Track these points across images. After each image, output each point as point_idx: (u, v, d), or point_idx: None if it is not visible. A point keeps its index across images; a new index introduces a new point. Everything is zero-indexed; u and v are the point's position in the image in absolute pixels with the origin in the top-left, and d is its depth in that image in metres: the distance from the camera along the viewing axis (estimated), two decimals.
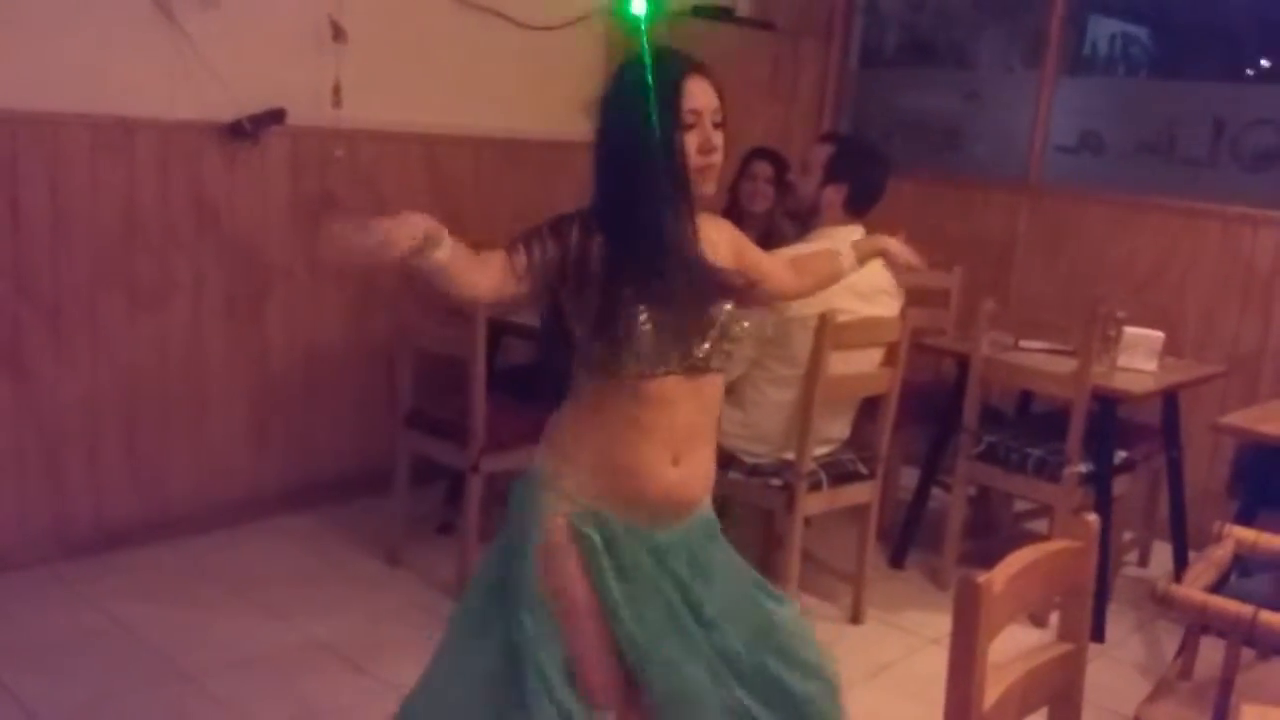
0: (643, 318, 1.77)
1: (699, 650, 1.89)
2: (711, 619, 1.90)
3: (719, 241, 1.94)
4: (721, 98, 1.84)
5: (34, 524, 3.38)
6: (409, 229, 1.63)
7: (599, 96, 1.86)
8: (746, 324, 1.90)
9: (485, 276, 1.74)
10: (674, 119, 1.77)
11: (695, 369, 1.84)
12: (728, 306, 1.86)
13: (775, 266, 2.15)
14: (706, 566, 1.93)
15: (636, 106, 1.77)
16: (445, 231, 1.68)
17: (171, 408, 3.62)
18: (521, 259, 1.76)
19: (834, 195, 3.26)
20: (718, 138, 1.83)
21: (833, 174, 3.27)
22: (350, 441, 4.09)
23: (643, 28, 1.79)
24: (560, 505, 1.85)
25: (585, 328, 1.80)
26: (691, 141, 1.79)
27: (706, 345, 1.83)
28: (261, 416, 3.85)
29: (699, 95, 1.80)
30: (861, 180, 3.27)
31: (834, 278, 2.34)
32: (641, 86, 1.77)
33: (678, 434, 1.86)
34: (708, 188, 1.85)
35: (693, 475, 1.91)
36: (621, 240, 1.79)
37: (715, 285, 1.87)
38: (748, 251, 2.03)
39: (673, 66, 1.80)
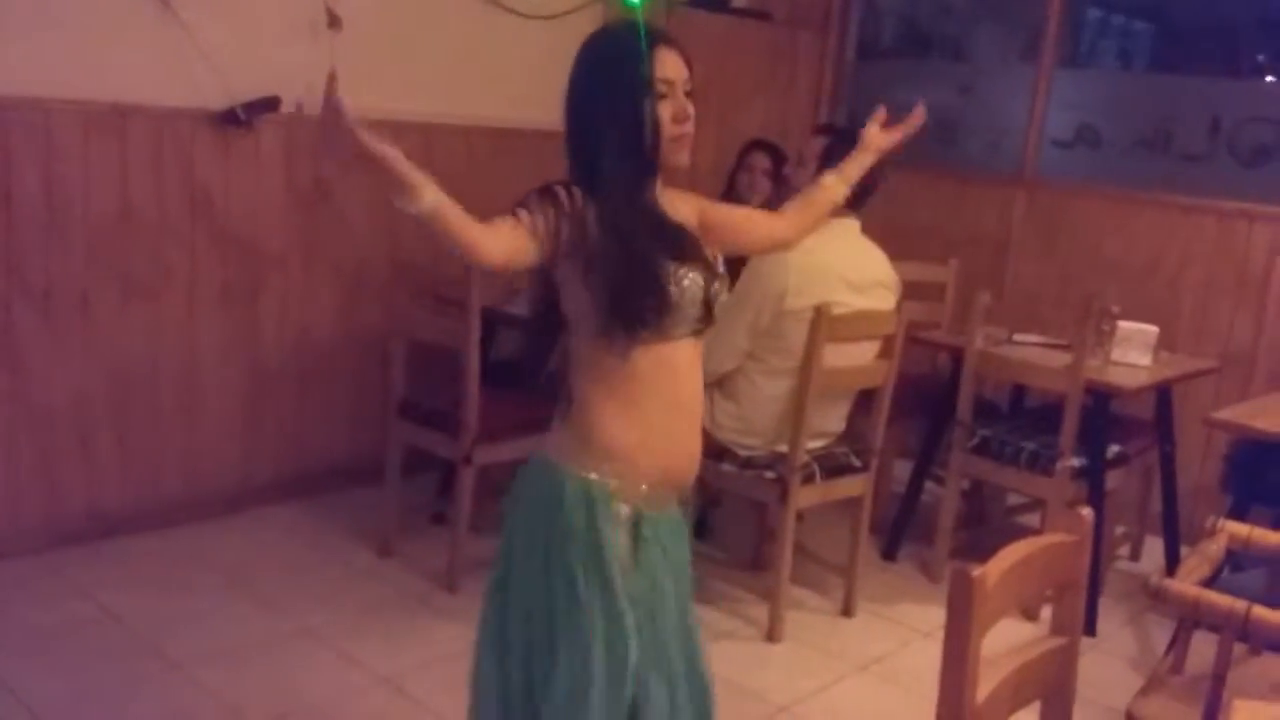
0: (681, 271, 1.77)
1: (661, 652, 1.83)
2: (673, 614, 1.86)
3: (687, 214, 1.91)
4: (691, 70, 1.81)
5: (25, 513, 3.36)
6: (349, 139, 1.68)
7: (572, 69, 1.82)
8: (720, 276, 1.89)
9: (493, 239, 1.68)
10: (648, 87, 1.74)
11: (700, 331, 1.84)
12: (718, 280, 1.86)
13: (752, 215, 2.15)
14: (681, 559, 1.91)
15: (610, 75, 1.76)
16: (424, 180, 1.71)
17: (164, 397, 3.60)
18: (533, 219, 1.71)
19: None
20: (691, 108, 1.80)
21: (828, 166, 3.25)
22: (343, 432, 4.08)
23: (639, 16, 1.78)
24: (593, 490, 1.78)
25: (603, 294, 1.74)
26: (666, 110, 1.76)
27: (707, 309, 1.84)
28: (254, 406, 3.84)
29: (671, 65, 1.77)
30: None
31: (830, 203, 2.15)
32: (614, 56, 1.77)
33: (668, 404, 1.83)
34: (682, 157, 1.81)
35: (685, 453, 1.89)
36: (616, 204, 1.76)
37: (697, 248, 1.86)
38: (711, 210, 1.98)
39: (644, 37, 1.78)
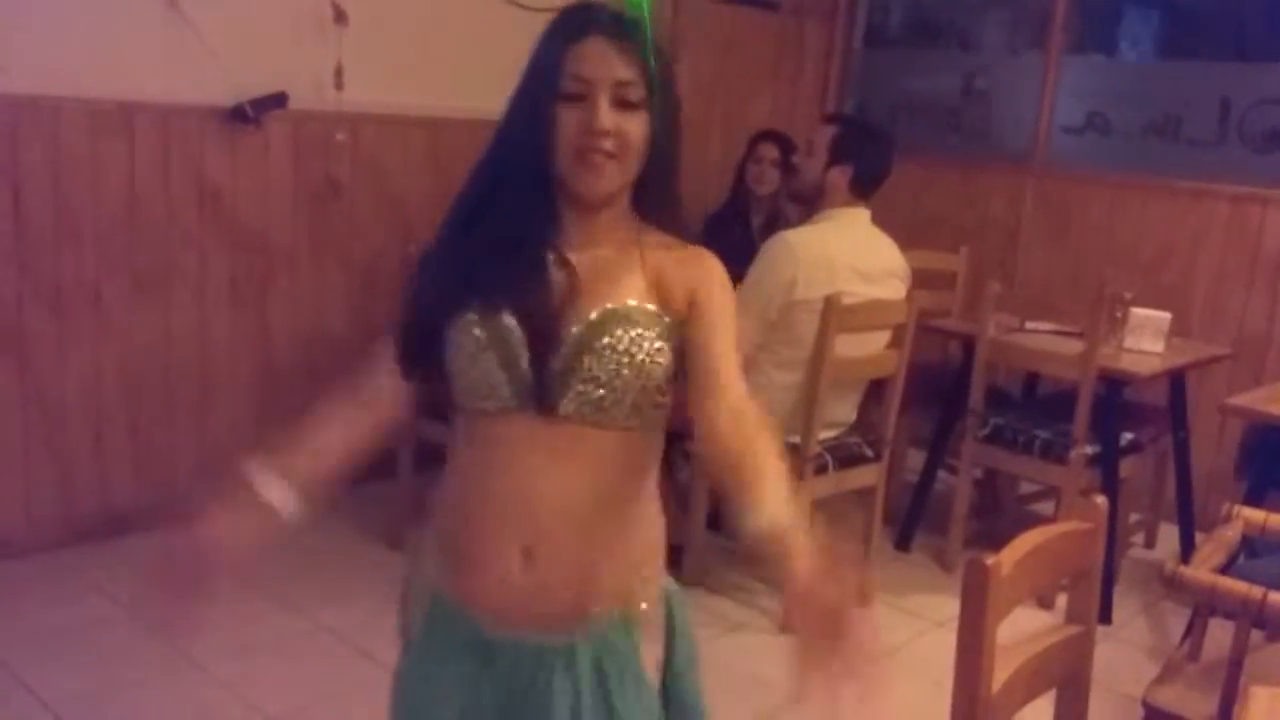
0: (471, 319, 1.36)
1: None
2: None
3: (672, 282, 1.39)
4: (652, 76, 1.37)
5: (39, 511, 3.38)
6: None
7: None
8: (628, 350, 1.34)
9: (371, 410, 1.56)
10: (549, 84, 1.36)
11: (548, 411, 1.35)
12: (579, 328, 1.35)
13: (718, 370, 1.39)
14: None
15: (529, 63, 1.42)
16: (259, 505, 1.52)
17: (175, 393, 3.61)
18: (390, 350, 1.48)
19: (839, 177, 3.25)
20: (615, 119, 1.35)
21: (838, 155, 3.25)
22: None
23: (645, 7, 1.42)
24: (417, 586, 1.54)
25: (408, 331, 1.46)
26: (570, 117, 1.35)
27: (558, 377, 1.35)
28: (265, 401, 3.84)
29: (594, 60, 1.35)
30: (866, 161, 3.25)
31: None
32: (543, 38, 1.42)
33: (533, 512, 1.38)
34: (588, 180, 1.36)
35: (561, 581, 1.39)
36: (466, 227, 1.43)
37: (574, 299, 1.37)
38: (716, 334, 1.39)
39: (571, 21, 1.40)
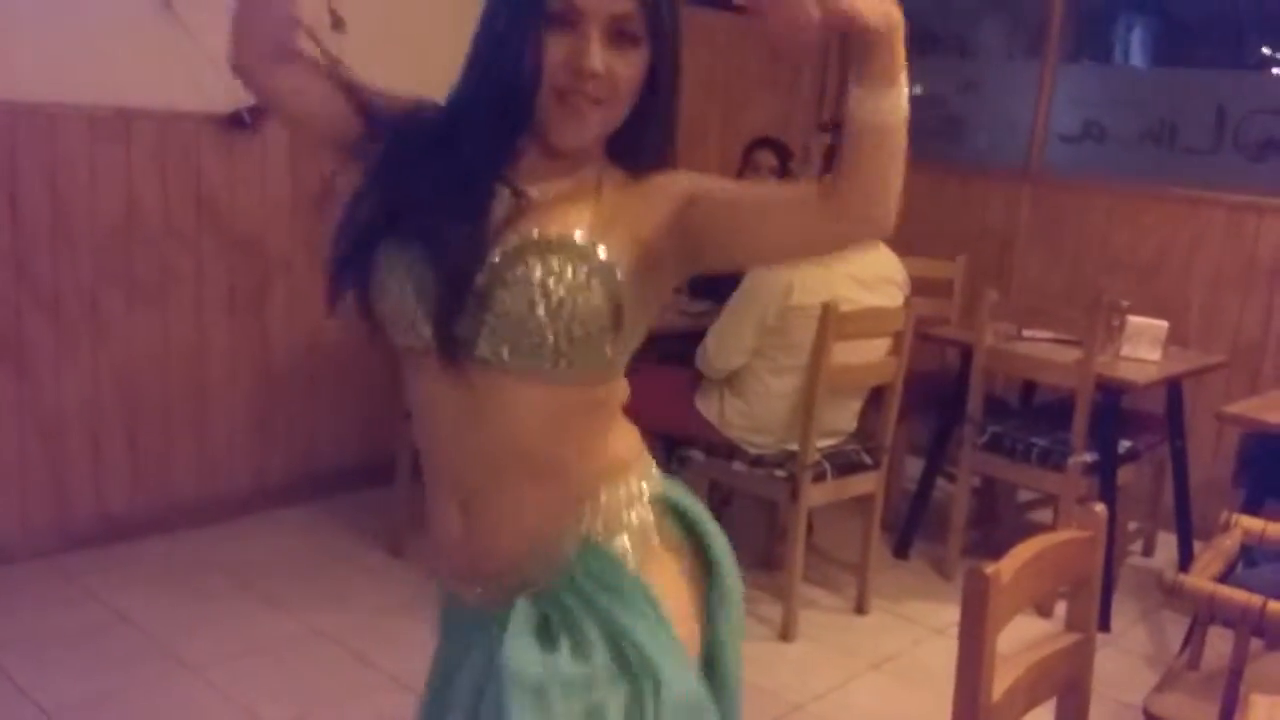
0: (391, 241, 1.23)
1: None
2: None
3: (636, 216, 1.23)
4: (654, 20, 1.19)
5: (36, 517, 3.37)
6: None
7: None
8: (541, 283, 1.17)
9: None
10: (533, 6, 1.17)
11: (454, 349, 1.20)
12: (498, 258, 1.19)
13: (771, 192, 1.37)
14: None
15: None
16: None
17: (173, 400, 3.61)
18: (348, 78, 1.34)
19: None
20: (607, 59, 1.16)
21: (832, 162, 3.25)
22: (353, 432, 4.08)
23: None
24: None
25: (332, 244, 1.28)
26: (558, 48, 1.16)
27: (471, 312, 1.19)
28: (263, 408, 3.84)
29: None
30: None
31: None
32: None
33: (462, 463, 1.28)
34: (568, 128, 1.20)
35: (499, 540, 1.28)
36: (419, 149, 1.27)
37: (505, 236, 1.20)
38: (703, 193, 1.23)
39: None
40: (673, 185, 1.24)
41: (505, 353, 1.19)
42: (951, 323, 4.21)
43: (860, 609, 3.51)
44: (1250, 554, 2.35)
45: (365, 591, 3.38)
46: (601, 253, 1.19)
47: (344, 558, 3.60)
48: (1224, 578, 2.12)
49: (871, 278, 3.25)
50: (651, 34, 1.19)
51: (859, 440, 3.42)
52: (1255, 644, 2.09)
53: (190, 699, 2.75)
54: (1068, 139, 4.78)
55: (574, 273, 1.17)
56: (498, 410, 1.23)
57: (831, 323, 3.05)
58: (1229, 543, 2.21)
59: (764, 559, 3.78)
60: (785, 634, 3.29)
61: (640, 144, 1.26)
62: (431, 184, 1.22)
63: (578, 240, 1.19)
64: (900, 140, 1.11)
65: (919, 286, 3.56)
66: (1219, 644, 2.17)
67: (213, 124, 3.52)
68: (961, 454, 3.72)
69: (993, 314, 3.57)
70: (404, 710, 2.77)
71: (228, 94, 3.51)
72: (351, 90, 1.33)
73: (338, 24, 3.65)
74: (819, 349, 3.08)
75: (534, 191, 1.23)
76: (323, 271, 1.28)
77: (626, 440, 1.36)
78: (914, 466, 4.12)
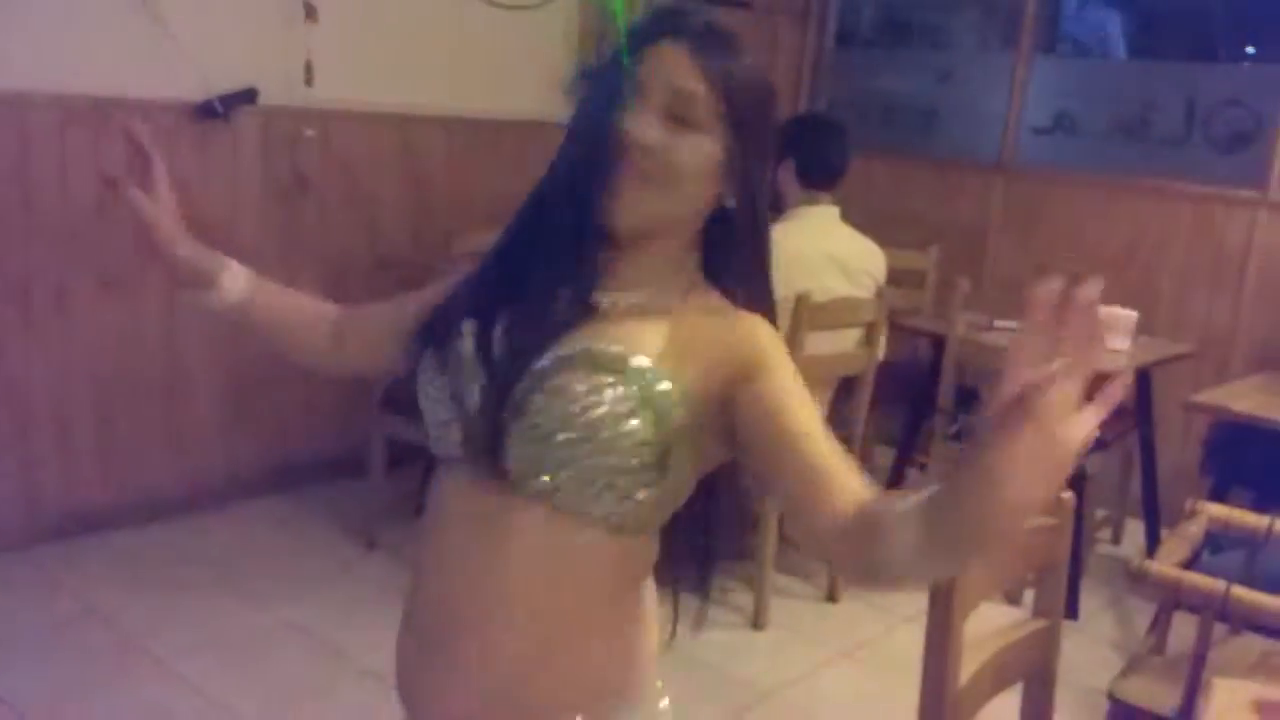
0: (466, 328, 1.14)
1: None
2: None
3: (707, 350, 1.10)
4: (738, 106, 1.11)
5: (3, 510, 3.34)
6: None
7: None
8: (581, 400, 1.05)
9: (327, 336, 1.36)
10: (607, 92, 1.10)
11: (492, 464, 1.09)
12: (545, 363, 1.08)
13: (816, 451, 1.11)
14: None
15: (586, 82, 1.17)
16: (224, 264, 1.38)
17: (145, 391, 3.58)
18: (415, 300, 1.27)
19: (785, 173, 3.26)
20: (661, 136, 1.07)
21: (781, 152, 3.26)
22: (326, 424, 4.06)
23: (617, 6, 1.16)
24: None
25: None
26: (622, 122, 1.09)
27: (505, 420, 1.08)
28: (236, 399, 3.82)
29: (653, 61, 1.10)
30: (807, 149, 3.25)
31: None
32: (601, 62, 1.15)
33: (443, 597, 1.16)
34: (613, 203, 1.08)
35: (467, 694, 1.14)
36: (500, 252, 1.19)
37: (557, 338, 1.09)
38: (768, 377, 1.10)
39: (650, 19, 1.14)
40: (750, 340, 1.12)
41: (528, 468, 1.08)
42: (923, 313, 4.23)
43: (832, 597, 3.53)
44: (1216, 541, 2.38)
45: (338, 584, 3.38)
46: (663, 384, 1.07)
47: (317, 550, 3.59)
48: (1190, 564, 2.14)
49: (856, 269, 3.25)
50: (732, 124, 1.10)
51: (830, 430, 3.42)
52: (1219, 629, 2.12)
53: (161, 692, 2.74)
54: (1040, 131, 4.81)
55: (622, 397, 1.05)
56: (501, 534, 1.10)
57: (804, 313, 3.06)
58: (1194, 529, 2.24)
59: (736, 548, 3.79)
60: (757, 622, 3.31)
61: (729, 262, 1.17)
62: (495, 285, 1.16)
63: (635, 364, 1.07)
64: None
65: (892, 277, 3.57)
66: (1184, 629, 2.20)
67: (185, 113, 3.50)
68: (932, 444, 3.74)
69: (965, 304, 3.60)
70: (379, 701, 2.77)
71: (200, 83, 3.49)
72: (399, 310, 1.30)
73: (310, 13, 3.63)
74: (790, 339, 3.09)
75: (604, 300, 1.12)
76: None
77: (641, 638, 1.22)
78: (885, 456, 4.15)
